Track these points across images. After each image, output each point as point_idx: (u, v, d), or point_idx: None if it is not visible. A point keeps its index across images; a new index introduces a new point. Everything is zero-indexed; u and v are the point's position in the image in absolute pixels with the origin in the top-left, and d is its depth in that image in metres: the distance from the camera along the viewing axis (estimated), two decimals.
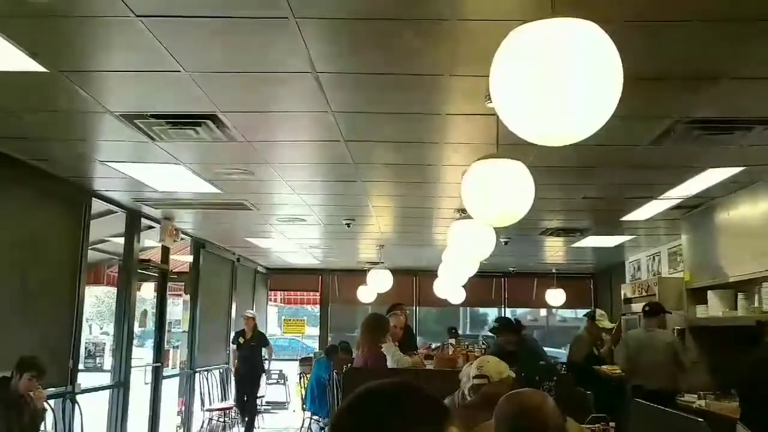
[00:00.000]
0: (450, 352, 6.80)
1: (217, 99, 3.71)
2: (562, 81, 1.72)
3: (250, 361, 9.68)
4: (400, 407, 1.05)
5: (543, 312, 17.19)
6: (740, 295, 5.83)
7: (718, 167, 5.00)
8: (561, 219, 7.54)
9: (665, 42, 2.90)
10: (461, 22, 2.73)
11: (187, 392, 9.37)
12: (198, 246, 9.64)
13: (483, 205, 3.24)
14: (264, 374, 10.69)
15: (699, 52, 3.03)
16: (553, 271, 12.49)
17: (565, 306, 13.23)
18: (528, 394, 1.99)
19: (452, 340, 8.72)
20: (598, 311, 7.69)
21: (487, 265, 10.98)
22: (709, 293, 6.27)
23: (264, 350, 10.11)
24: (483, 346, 7.71)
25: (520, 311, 17.91)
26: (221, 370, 10.72)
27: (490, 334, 7.34)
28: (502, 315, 13.54)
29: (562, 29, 1.76)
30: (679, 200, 6.17)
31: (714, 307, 6.16)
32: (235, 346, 9.94)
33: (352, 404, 1.07)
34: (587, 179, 5.56)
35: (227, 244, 10.39)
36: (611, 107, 1.81)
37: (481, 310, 18.99)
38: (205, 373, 9.84)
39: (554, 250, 10.22)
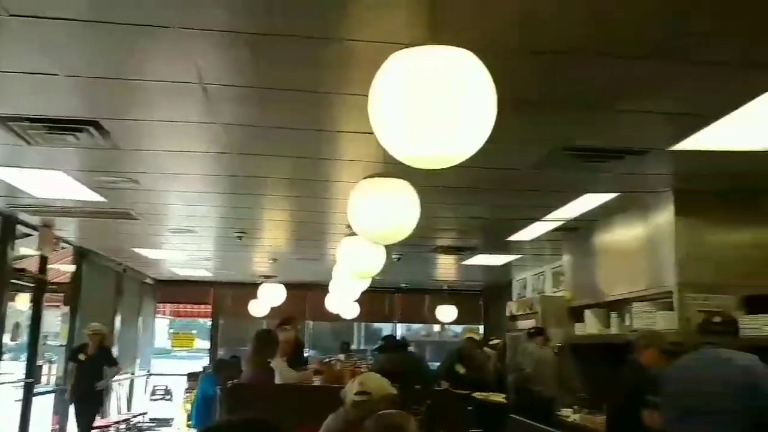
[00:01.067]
0: (338, 368, 6.80)
1: (99, 105, 3.57)
2: (435, 106, 1.76)
3: (88, 381, 8.22)
4: None
5: (437, 327, 17.51)
6: (613, 314, 6.17)
7: (595, 192, 5.28)
8: (451, 237, 7.73)
9: (545, 71, 3.04)
10: (349, 42, 2.76)
11: (61, 409, 8.85)
12: (80, 255, 9.18)
13: (367, 223, 3.27)
14: (103, 397, 9.29)
15: (577, 83, 3.18)
16: (445, 287, 12.77)
17: (457, 322, 13.54)
18: (392, 415, 2.01)
19: (342, 356, 8.71)
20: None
21: (380, 281, 11.10)
22: (586, 312, 6.59)
23: (107, 369, 8.48)
24: (371, 361, 7.75)
25: (415, 326, 18.19)
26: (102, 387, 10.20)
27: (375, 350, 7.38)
28: (394, 330, 13.72)
29: (438, 56, 1.81)
30: (560, 222, 6.46)
31: (590, 325, 6.47)
32: (74, 364, 8.33)
33: None
34: (475, 200, 5.74)
35: (113, 254, 9.97)
36: (484, 134, 1.88)
37: (376, 324, 19.12)
38: None
39: (445, 268, 10.45)
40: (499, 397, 6.57)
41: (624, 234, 5.94)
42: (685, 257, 4.96)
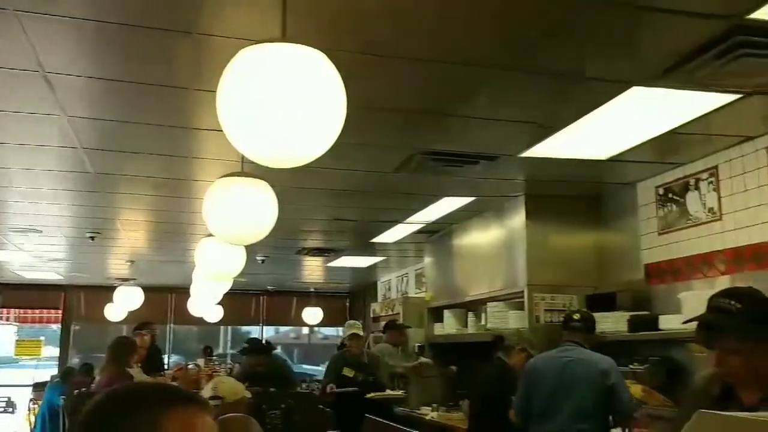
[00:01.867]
0: (196, 373, 6.59)
1: None
2: (283, 105, 1.74)
3: None
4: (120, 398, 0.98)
5: (305, 330, 17.42)
6: (470, 314, 6.40)
7: (453, 196, 5.46)
8: (316, 239, 7.72)
9: (400, 77, 3.10)
10: (202, 37, 2.68)
11: None
12: None
13: (223, 224, 3.18)
14: None
15: (432, 90, 3.28)
16: (312, 289, 12.74)
17: (323, 324, 13.55)
18: (233, 419, 1.97)
19: (201, 360, 8.47)
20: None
21: (244, 283, 10.92)
22: (445, 312, 6.80)
23: None
24: (230, 366, 7.58)
25: (283, 329, 17.98)
26: None
27: (238, 353, 7.19)
28: (261, 333, 13.52)
29: (286, 54, 1.79)
30: (422, 225, 6.63)
31: (449, 325, 6.68)
32: None
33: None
34: (339, 202, 5.76)
35: None
36: (332, 135, 1.87)
37: (244, 328, 18.75)
38: None
39: (312, 269, 10.42)
40: (397, 393, 6.30)
41: (481, 237, 6.18)
42: (534, 259, 5.24)
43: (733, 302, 1.99)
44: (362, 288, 12.56)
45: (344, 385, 5.92)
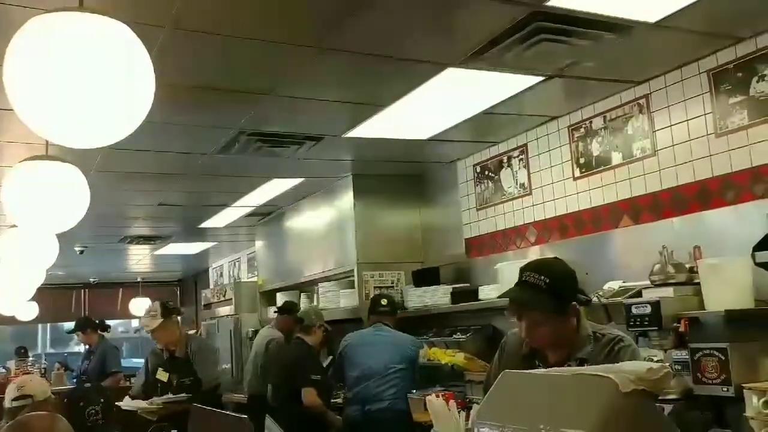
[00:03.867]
0: (6, 376, 6.06)
1: None
2: (79, 79, 1.61)
3: None
4: None
5: (134, 322, 16.59)
6: (303, 295, 6.42)
7: (282, 178, 5.42)
8: (141, 226, 7.35)
9: (221, 55, 3.01)
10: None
11: None
12: None
13: (28, 211, 2.92)
14: None
15: (254, 69, 3.21)
16: (139, 279, 12.16)
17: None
18: (36, 418, 1.83)
19: (12, 362, 7.81)
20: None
21: (63, 276, 10.18)
22: (278, 295, 6.77)
23: None
24: (44, 365, 7.07)
25: (109, 323, 16.98)
26: None
27: (68, 351, 6.78)
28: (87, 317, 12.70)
29: (83, 23, 1.66)
30: (252, 208, 6.52)
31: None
32: None
33: None
34: (163, 185, 5.51)
35: None
36: (140, 112, 1.77)
37: (66, 324, 17.49)
38: None
39: (138, 258, 9.93)
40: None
41: (312, 217, 6.20)
42: (362, 237, 5.35)
43: (542, 277, 2.16)
44: (194, 274, 12.17)
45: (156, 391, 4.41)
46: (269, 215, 6.92)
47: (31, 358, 9.76)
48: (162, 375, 4.52)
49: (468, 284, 4.73)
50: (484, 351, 4.47)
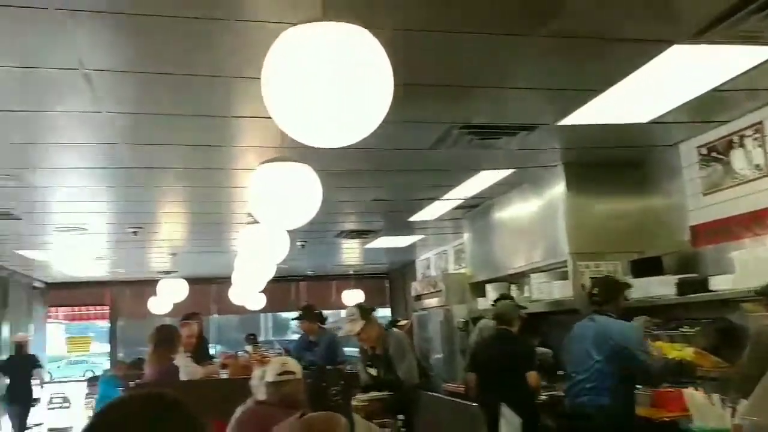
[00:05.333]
0: (246, 360, 6.69)
1: None
2: (331, 83, 1.74)
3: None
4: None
5: (343, 313, 17.53)
6: (513, 287, 6.38)
7: (492, 170, 5.42)
8: (354, 221, 7.75)
9: (434, 50, 3.08)
10: (240, 23, 2.69)
11: None
12: None
13: (268, 209, 3.21)
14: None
15: (467, 62, 3.25)
16: (351, 272, 12.81)
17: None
18: (322, 418, 1.99)
19: (249, 347, 8.59)
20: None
21: (284, 269, 11.00)
22: (487, 286, 6.79)
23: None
24: (279, 350, 7.68)
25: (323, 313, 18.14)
26: None
27: (286, 338, 7.28)
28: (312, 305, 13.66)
29: (332, 32, 1.79)
30: (460, 201, 6.60)
31: (491, 299, 6.65)
32: None
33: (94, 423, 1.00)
34: (376, 181, 5.76)
35: None
36: (382, 110, 1.87)
37: (284, 314, 18.97)
38: None
39: (350, 252, 10.47)
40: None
41: (521, 208, 6.14)
42: (575, 227, 5.20)
43: None
44: (401, 267, 12.59)
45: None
46: (477, 207, 6.96)
47: (260, 344, 10.69)
48: (371, 371, 4.80)
49: (696, 274, 4.41)
50: (716, 346, 4.15)
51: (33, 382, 9.60)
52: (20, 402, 9.27)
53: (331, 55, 1.77)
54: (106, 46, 2.88)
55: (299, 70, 1.78)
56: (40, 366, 9.83)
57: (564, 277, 5.31)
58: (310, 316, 6.70)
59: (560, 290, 5.36)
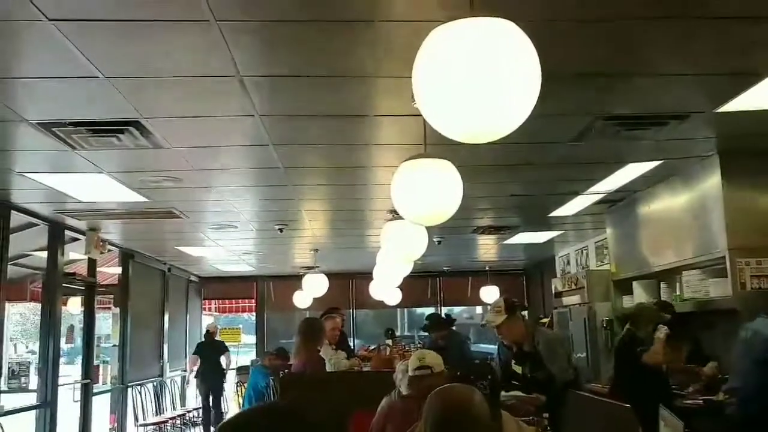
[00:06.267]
0: (387, 353, 6.83)
1: (139, 105, 3.62)
2: (482, 78, 1.74)
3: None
4: None
5: (479, 309, 17.43)
6: (662, 285, 6.07)
7: (638, 162, 5.18)
8: (491, 217, 7.67)
9: (580, 41, 2.99)
10: (383, 24, 2.75)
11: (119, 408, 9.09)
12: (126, 257, 9.37)
13: (412, 205, 3.26)
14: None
15: (612, 51, 3.13)
16: (486, 268, 12.71)
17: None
18: (458, 389, 2.01)
19: (389, 341, 8.75)
20: None
21: (421, 265, 11.11)
22: (634, 284, 6.50)
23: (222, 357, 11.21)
24: (419, 345, 7.76)
25: (456, 309, 18.15)
26: (155, 384, 10.43)
27: (425, 333, 7.29)
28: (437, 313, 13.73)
29: (481, 28, 1.79)
30: (602, 195, 6.37)
31: (639, 297, 6.38)
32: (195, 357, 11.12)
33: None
34: (514, 177, 5.68)
35: (157, 253, 10.14)
36: (530, 104, 1.85)
37: (419, 310, 19.16)
38: (138, 387, 9.56)
39: (486, 248, 10.39)
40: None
41: (669, 202, 5.83)
42: (734, 221, 4.85)
43: None
44: (538, 264, 12.33)
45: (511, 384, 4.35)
46: (620, 201, 6.68)
47: (398, 339, 10.86)
48: (516, 368, 4.48)
49: None
50: None
51: (223, 362, 11.20)
52: (212, 380, 10.75)
53: (480, 51, 1.77)
54: (259, 52, 3.04)
55: (449, 67, 1.80)
56: (227, 350, 11.35)
57: (720, 274, 4.98)
58: (436, 326, 6.63)
59: (716, 289, 5.04)
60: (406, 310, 19.47)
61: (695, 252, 5.37)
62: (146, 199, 5.88)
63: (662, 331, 4.55)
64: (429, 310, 14.48)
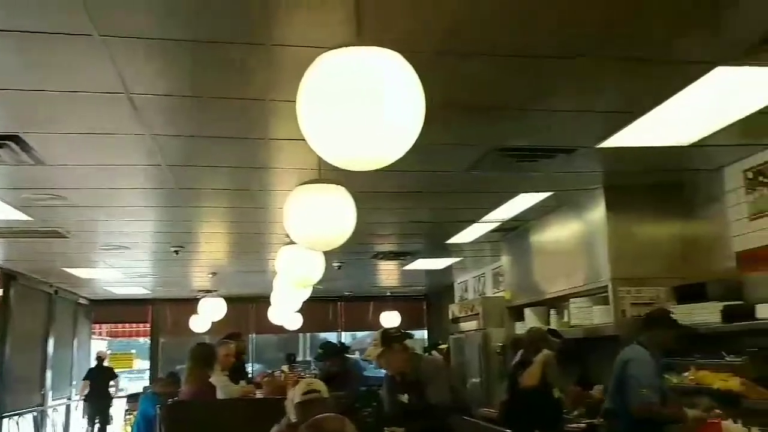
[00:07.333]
0: (282, 379, 6.71)
1: (19, 119, 3.43)
2: (364, 107, 1.75)
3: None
4: None
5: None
6: (552, 311, 6.28)
7: (530, 192, 5.38)
8: (391, 242, 7.74)
9: (473, 73, 3.07)
10: (277, 48, 2.73)
11: None
12: (8, 278, 8.81)
13: (304, 230, 3.23)
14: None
15: (505, 85, 3.24)
16: (388, 293, 12.80)
17: (401, 327, 13.55)
18: (329, 420, 1.99)
19: (285, 367, 8.62)
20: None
21: (322, 290, 11.03)
22: (526, 310, 6.70)
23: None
24: (314, 371, 7.68)
25: (360, 334, 18.13)
26: (35, 414, 9.80)
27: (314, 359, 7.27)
28: (339, 339, 13.67)
29: (364, 57, 1.80)
30: (497, 223, 6.55)
31: (530, 323, 6.56)
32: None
33: None
34: (413, 203, 5.76)
35: (42, 275, 9.60)
36: (413, 134, 1.87)
37: (322, 334, 19.03)
38: (16, 417, 8.95)
39: (387, 273, 10.46)
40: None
41: (560, 232, 6.06)
42: (617, 252, 5.10)
43: None
44: (439, 290, 12.52)
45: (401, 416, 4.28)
46: (515, 230, 6.90)
47: (298, 364, 10.72)
48: (402, 398, 4.43)
49: (741, 301, 4.28)
50: (765, 377, 4.01)
51: (110, 389, 11.45)
52: (98, 404, 11.15)
53: (364, 80, 1.78)
54: (149, 70, 2.95)
55: (332, 94, 1.80)
56: (116, 376, 11.72)
57: (605, 302, 5.21)
58: (330, 354, 6.58)
59: (600, 316, 5.26)
60: (309, 334, 19.27)
61: (584, 280, 5.59)
62: (29, 218, 5.57)
63: (543, 355, 4.68)
64: (332, 335, 14.42)
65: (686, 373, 4.59)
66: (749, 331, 4.12)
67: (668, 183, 5.08)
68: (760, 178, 4.37)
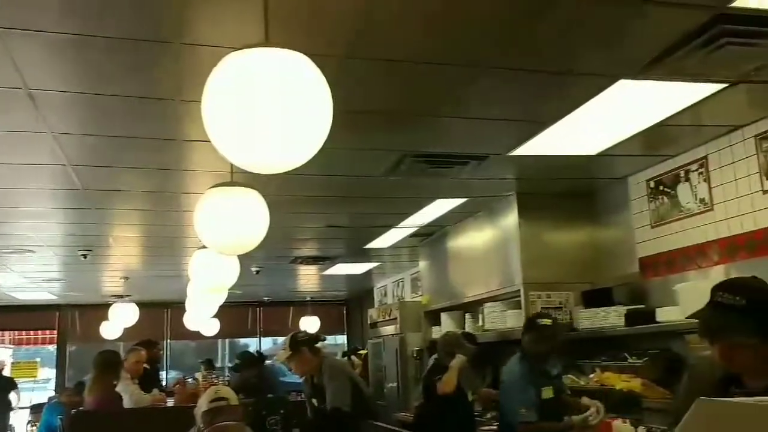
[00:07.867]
0: (196, 386, 6.56)
1: None
2: (267, 110, 1.72)
3: None
4: None
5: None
6: (467, 315, 6.38)
7: (445, 198, 5.45)
8: (310, 247, 7.70)
9: (388, 79, 3.09)
10: (186, 47, 2.66)
11: None
12: None
13: (215, 234, 3.16)
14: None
15: (418, 91, 3.26)
16: (308, 298, 12.71)
17: (320, 332, 13.49)
18: (230, 428, 1.95)
19: (199, 374, 8.42)
20: None
21: (240, 295, 10.87)
22: (442, 315, 6.79)
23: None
24: (227, 378, 7.54)
25: (280, 339, 17.94)
26: None
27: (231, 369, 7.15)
28: (259, 345, 13.48)
29: (270, 59, 1.77)
30: (415, 228, 6.62)
31: (446, 327, 6.66)
32: None
33: None
34: (331, 208, 5.74)
35: None
36: (320, 138, 1.85)
37: (242, 340, 18.70)
38: None
39: (307, 278, 10.39)
40: None
41: (476, 237, 6.17)
42: (528, 257, 5.23)
43: (737, 298, 1.95)
44: (359, 295, 12.53)
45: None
46: (432, 235, 6.98)
47: (214, 371, 10.48)
48: (314, 401, 4.51)
49: (643, 306, 4.47)
50: (663, 377, 4.19)
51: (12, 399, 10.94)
52: None
53: (270, 81, 1.75)
54: (49, 66, 2.82)
55: (238, 95, 1.76)
56: (15, 386, 11.11)
57: (518, 306, 5.33)
58: (248, 364, 6.54)
59: (512, 320, 5.38)
60: (227, 340, 18.90)
61: (498, 285, 5.70)
62: None
63: (458, 360, 4.74)
64: (252, 340, 14.18)
65: (592, 375, 4.76)
66: (650, 334, 4.31)
67: (578, 191, 5.26)
68: (661, 188, 4.58)
